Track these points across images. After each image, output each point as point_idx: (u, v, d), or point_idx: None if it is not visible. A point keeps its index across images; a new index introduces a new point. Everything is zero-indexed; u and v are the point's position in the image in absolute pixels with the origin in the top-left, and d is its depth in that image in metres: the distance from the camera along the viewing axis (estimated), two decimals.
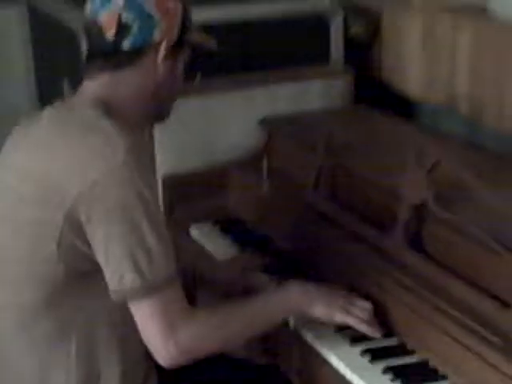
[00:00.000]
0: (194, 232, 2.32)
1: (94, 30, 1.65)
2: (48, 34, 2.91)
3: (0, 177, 1.69)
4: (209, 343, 1.62)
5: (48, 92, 3.01)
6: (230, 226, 2.31)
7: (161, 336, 1.55)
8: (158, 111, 1.77)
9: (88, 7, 1.67)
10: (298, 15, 2.64)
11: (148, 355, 1.62)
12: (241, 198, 2.41)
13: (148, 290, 1.53)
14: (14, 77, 3.20)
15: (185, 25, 1.70)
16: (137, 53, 1.66)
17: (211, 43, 1.81)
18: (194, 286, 2.02)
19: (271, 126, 2.49)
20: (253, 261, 2.07)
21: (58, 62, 2.79)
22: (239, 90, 2.51)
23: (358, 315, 1.73)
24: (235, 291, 1.98)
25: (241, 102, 2.52)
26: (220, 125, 2.49)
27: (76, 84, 2.51)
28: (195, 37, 1.75)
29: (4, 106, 3.18)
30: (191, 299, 1.80)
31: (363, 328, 1.71)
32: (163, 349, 1.56)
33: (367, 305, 1.75)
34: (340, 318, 1.72)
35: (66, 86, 2.67)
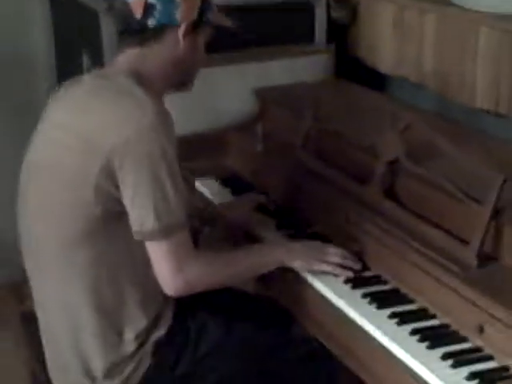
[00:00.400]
0: (198, 185, 2.33)
1: (124, 10, 1.70)
2: (69, 14, 2.89)
3: (44, 130, 1.74)
4: (209, 280, 1.71)
5: (67, 68, 2.99)
6: (229, 181, 2.33)
7: (171, 271, 1.63)
8: (182, 80, 1.80)
9: None
10: (287, 0, 2.64)
11: None
12: (238, 156, 2.41)
13: (164, 232, 1.61)
14: (36, 56, 3.19)
15: (204, 6, 1.73)
16: (160, 30, 1.70)
17: (228, 23, 1.83)
18: (197, 230, 2.05)
19: (264, 95, 2.51)
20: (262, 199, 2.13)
21: (79, 40, 2.78)
22: (236, 64, 2.53)
23: (332, 262, 1.80)
24: (240, 230, 2.06)
25: (237, 75, 2.53)
26: (220, 94, 2.50)
27: (96, 59, 2.56)
28: (214, 17, 1.77)
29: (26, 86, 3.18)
30: (195, 241, 1.88)
31: (338, 271, 1.79)
32: (172, 281, 1.64)
33: (339, 251, 1.81)
34: (317, 266, 1.80)
35: (85, 61, 2.67)
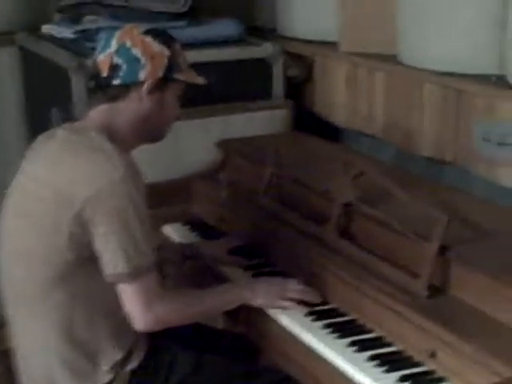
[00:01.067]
0: (167, 230, 2.44)
1: (94, 68, 1.81)
2: (39, 71, 2.96)
3: (19, 181, 1.82)
4: (176, 317, 1.80)
5: (37, 123, 3.05)
6: (195, 226, 2.43)
7: (141, 309, 1.72)
8: (152, 135, 1.87)
9: (95, 52, 1.84)
10: (246, 59, 2.75)
11: None
12: (203, 203, 2.51)
13: (134, 274, 1.70)
14: (5, 111, 3.24)
15: (171, 65, 1.80)
16: (125, 88, 1.78)
17: (199, 80, 1.89)
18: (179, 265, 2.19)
19: (226, 146, 2.63)
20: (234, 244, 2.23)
21: (48, 95, 2.85)
22: (200, 119, 2.64)
23: (292, 298, 1.89)
24: (214, 266, 2.17)
25: (202, 128, 2.64)
26: (185, 145, 2.60)
27: (66, 114, 2.63)
28: (183, 75, 1.83)
29: None
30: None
31: (296, 307, 1.89)
32: (142, 319, 1.73)
33: (299, 287, 1.91)
34: (277, 303, 1.89)
35: (55, 116, 2.75)
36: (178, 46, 1.85)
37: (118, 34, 1.81)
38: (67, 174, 1.72)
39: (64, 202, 1.69)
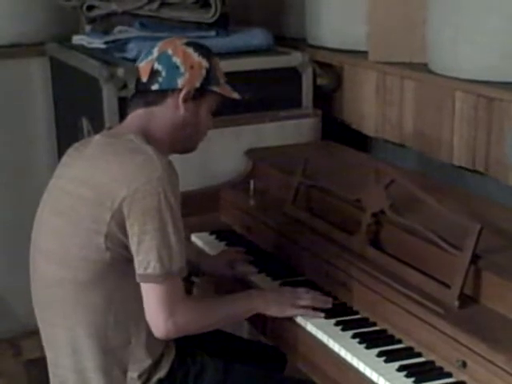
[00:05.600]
0: (195, 239, 2.43)
1: (136, 74, 1.86)
2: (70, 81, 2.99)
3: (56, 184, 1.85)
4: (196, 325, 1.80)
5: (67, 133, 3.07)
6: (224, 235, 2.41)
7: (163, 315, 1.71)
8: (185, 145, 1.91)
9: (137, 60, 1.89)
10: (276, 68, 2.75)
11: None
12: (232, 212, 2.51)
13: (163, 277, 1.70)
14: (36, 121, 3.27)
15: (209, 77, 1.84)
16: (163, 93, 1.83)
17: (234, 95, 1.93)
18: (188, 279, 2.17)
19: (256, 155, 2.63)
20: (239, 254, 2.23)
21: (79, 105, 2.87)
22: (230, 127, 2.65)
23: (303, 305, 1.89)
24: (225, 279, 2.15)
25: (232, 137, 2.65)
26: (216, 154, 2.61)
27: (96, 125, 2.65)
28: (220, 89, 1.88)
29: (27, 147, 3.26)
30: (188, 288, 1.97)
31: (310, 313, 1.88)
32: (163, 325, 1.72)
33: (309, 294, 1.91)
34: (290, 311, 1.90)
35: (85, 125, 2.77)
36: (217, 61, 1.90)
37: (160, 43, 1.87)
38: (106, 173, 1.73)
39: (103, 201, 1.70)
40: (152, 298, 1.72)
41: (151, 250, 1.69)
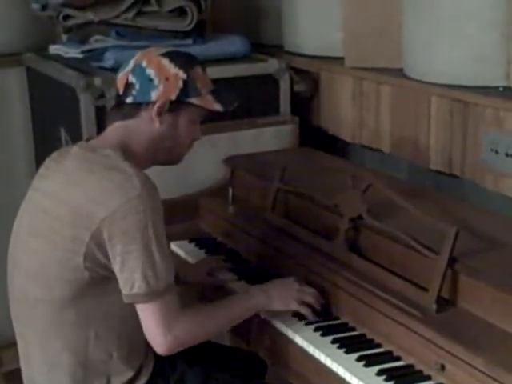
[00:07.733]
0: (174, 247, 2.42)
1: (114, 86, 1.84)
2: (47, 91, 2.97)
3: (33, 198, 1.82)
4: (197, 336, 1.78)
5: (45, 143, 3.05)
6: (203, 242, 2.42)
7: (161, 331, 1.69)
8: (166, 158, 1.87)
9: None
10: (253, 75, 2.75)
11: (147, 343, 1.76)
12: (211, 219, 2.52)
13: (152, 295, 1.67)
14: (13, 131, 3.24)
15: (187, 89, 1.79)
16: (137, 107, 1.79)
17: (217, 107, 1.86)
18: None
19: (234, 162, 2.62)
20: (219, 262, 2.22)
21: (56, 115, 2.85)
22: (208, 135, 2.53)
23: (307, 301, 1.89)
24: (206, 288, 2.14)
25: (209, 145, 2.62)
26: (194, 163, 2.52)
27: (74, 135, 2.63)
28: (199, 100, 1.82)
29: (4, 157, 3.23)
30: None
31: (310, 316, 1.89)
32: (163, 341, 1.70)
33: (313, 290, 1.92)
34: (294, 307, 1.90)
35: (63, 135, 2.75)
36: (199, 71, 1.84)
37: (138, 54, 1.84)
38: (84, 193, 1.70)
39: (81, 222, 1.67)
40: (147, 317, 1.70)
41: (136, 269, 1.66)
